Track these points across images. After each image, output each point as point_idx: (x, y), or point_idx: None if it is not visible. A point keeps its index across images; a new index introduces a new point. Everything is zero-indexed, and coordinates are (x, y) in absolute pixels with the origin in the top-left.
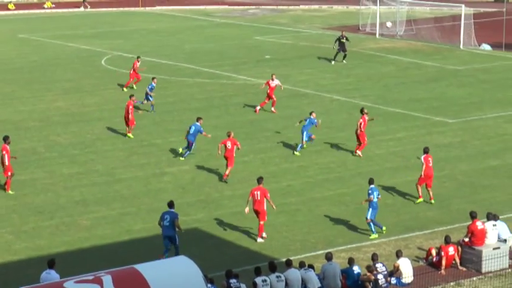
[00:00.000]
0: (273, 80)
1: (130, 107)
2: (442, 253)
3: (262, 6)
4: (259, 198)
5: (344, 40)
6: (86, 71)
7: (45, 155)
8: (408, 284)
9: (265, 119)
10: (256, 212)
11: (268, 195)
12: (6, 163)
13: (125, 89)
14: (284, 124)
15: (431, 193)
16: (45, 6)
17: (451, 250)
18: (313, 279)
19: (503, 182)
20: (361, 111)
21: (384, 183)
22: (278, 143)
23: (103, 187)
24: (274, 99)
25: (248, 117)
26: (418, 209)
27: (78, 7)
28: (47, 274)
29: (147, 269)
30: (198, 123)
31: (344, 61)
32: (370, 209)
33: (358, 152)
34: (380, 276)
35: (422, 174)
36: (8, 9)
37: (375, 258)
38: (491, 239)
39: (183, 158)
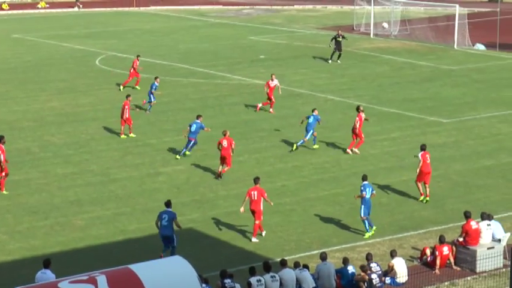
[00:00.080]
0: (272, 80)
1: (126, 107)
2: (437, 253)
3: (257, 6)
4: (256, 198)
5: (340, 39)
6: (80, 71)
7: (40, 155)
8: (402, 283)
9: (260, 119)
10: (253, 212)
11: (266, 195)
12: (2, 163)
13: (121, 88)
14: (278, 124)
15: (428, 190)
16: (39, 6)
17: (446, 250)
18: (307, 279)
19: (498, 182)
20: (357, 109)
21: (379, 183)
22: (273, 143)
23: (97, 187)
24: (273, 100)
25: (243, 117)
26: (413, 209)
27: (72, 7)
28: (42, 274)
29: (141, 269)
30: (198, 121)
31: (338, 61)
32: (363, 206)
33: (355, 150)
34: (374, 276)
35: (418, 170)
36: (2, 9)
37: (369, 258)
38: (485, 239)
39: (179, 157)
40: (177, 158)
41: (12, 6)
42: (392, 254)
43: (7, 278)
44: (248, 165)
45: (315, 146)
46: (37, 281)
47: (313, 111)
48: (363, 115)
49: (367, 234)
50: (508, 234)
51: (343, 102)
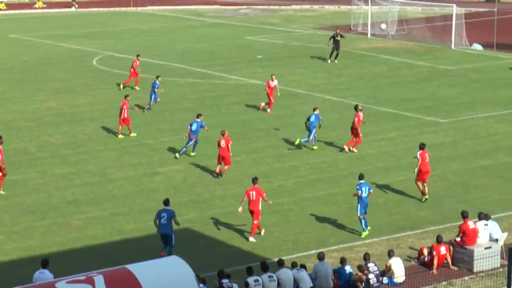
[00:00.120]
0: (272, 80)
1: (125, 107)
2: (434, 253)
3: (254, 6)
4: (254, 198)
5: (339, 38)
6: (77, 71)
7: (37, 155)
8: (400, 283)
9: (257, 119)
10: (251, 212)
11: (264, 194)
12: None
13: (121, 87)
14: (276, 124)
15: (426, 189)
16: (37, 6)
17: (443, 250)
18: (305, 279)
19: (495, 182)
20: (355, 108)
21: (376, 183)
22: (270, 143)
23: (95, 187)
24: (272, 100)
25: (240, 117)
26: (410, 209)
27: (70, 7)
28: (40, 274)
29: (139, 269)
30: (198, 120)
31: (336, 61)
32: (359, 205)
33: (353, 149)
34: (371, 276)
35: (417, 169)
36: None
37: (366, 257)
38: (482, 239)
39: (178, 156)
40: (176, 157)
41: (10, 6)
42: (390, 254)
43: (4, 278)
44: (245, 165)
45: (315, 147)
46: (35, 280)
47: (314, 110)
48: (361, 114)
49: (363, 234)
50: (505, 234)
51: (340, 102)
